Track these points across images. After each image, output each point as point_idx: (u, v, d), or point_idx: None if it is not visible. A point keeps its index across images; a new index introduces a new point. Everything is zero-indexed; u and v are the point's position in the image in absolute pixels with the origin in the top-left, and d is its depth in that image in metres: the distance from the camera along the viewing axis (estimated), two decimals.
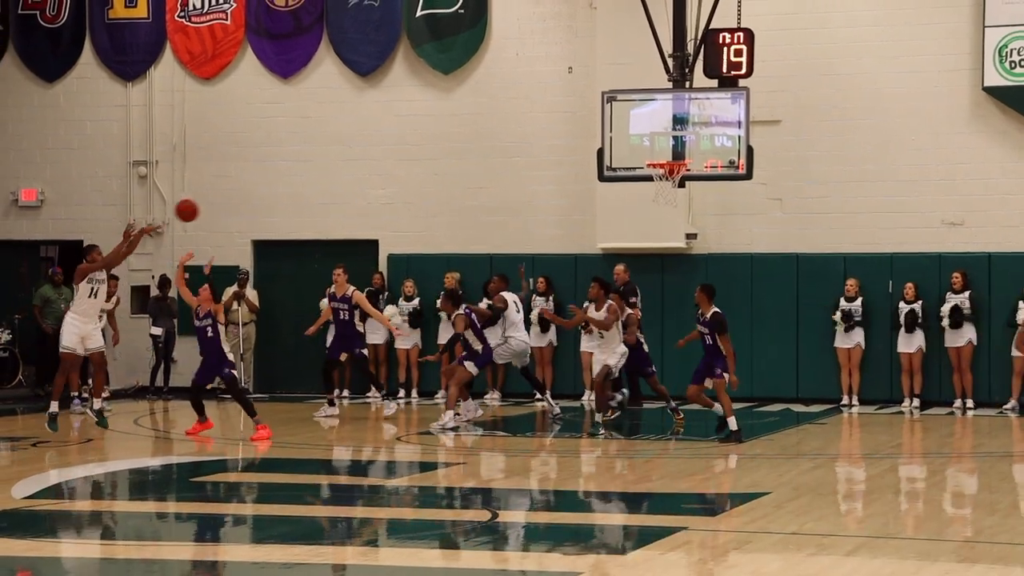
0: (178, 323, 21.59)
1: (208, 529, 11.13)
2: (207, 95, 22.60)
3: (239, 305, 21.44)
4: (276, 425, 18.31)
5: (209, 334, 16.12)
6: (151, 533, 11.10)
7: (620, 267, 19.46)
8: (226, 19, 22.50)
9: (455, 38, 21.59)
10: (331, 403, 18.59)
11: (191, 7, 22.58)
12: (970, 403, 18.98)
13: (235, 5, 22.44)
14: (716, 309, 15.66)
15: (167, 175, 22.70)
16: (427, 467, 14.77)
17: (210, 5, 22.53)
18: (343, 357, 18.20)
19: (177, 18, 22.68)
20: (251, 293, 21.74)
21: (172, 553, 10.11)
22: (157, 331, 21.30)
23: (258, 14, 22.37)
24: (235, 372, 16.33)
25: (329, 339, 19.15)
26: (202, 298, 16.21)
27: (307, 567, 9.40)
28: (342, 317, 17.99)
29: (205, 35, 22.57)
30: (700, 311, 15.81)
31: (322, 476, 14.23)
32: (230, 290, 21.44)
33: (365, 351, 18.62)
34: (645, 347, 17.52)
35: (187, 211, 16.95)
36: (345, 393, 21.14)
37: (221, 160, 22.47)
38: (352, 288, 18.05)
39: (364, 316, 18.38)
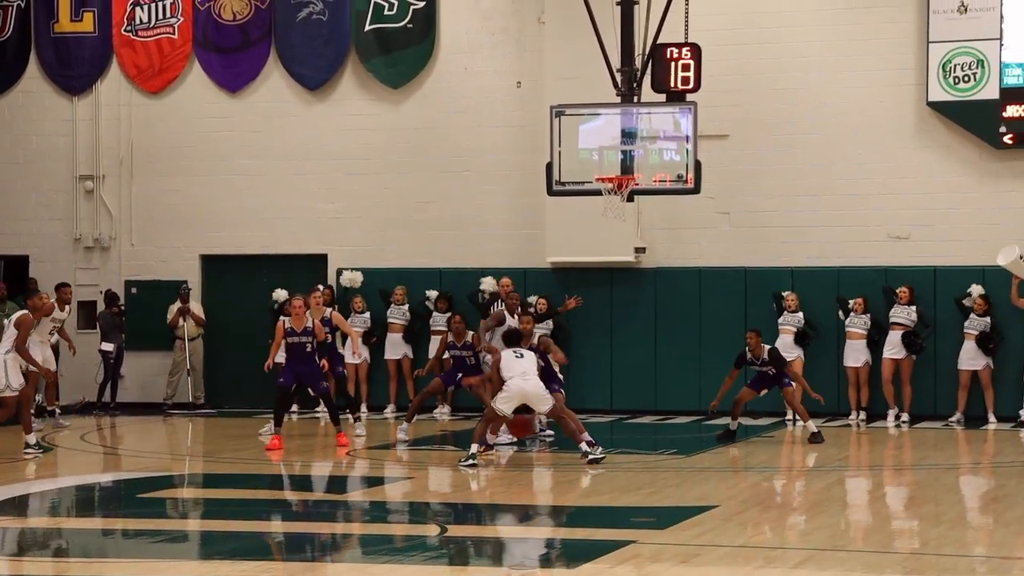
0: (126, 339, 21.47)
1: (155, 545, 11.04)
2: (154, 109, 22.48)
3: (185, 320, 21.33)
4: (224, 440, 18.22)
5: (308, 348, 16.42)
6: (98, 550, 11.00)
7: (506, 280, 19.43)
8: (173, 33, 22.40)
9: (404, 52, 21.58)
10: (356, 419, 18.15)
11: (138, 21, 22.46)
12: (905, 416, 19.10)
13: (182, 19, 22.34)
14: (767, 346, 16.84)
15: (114, 189, 22.56)
16: (375, 482, 14.73)
17: (157, 19, 22.43)
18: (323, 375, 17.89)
19: (124, 32, 22.56)
20: (196, 307, 21.62)
21: (119, 570, 10.02)
22: (108, 347, 21.16)
23: (206, 28, 22.29)
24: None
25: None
26: (296, 314, 16.30)
27: None
28: (308, 350, 17.20)
29: (152, 49, 22.46)
30: (752, 354, 16.72)
31: (270, 492, 14.16)
32: (175, 307, 21.33)
33: (344, 370, 18.63)
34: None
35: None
36: (294, 408, 21.05)
37: (168, 174, 22.35)
38: (330, 310, 17.85)
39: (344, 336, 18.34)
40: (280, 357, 17.03)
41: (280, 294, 20.78)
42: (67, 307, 18.54)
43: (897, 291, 19.25)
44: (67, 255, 22.56)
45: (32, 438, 15.70)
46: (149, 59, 22.46)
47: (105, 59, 22.61)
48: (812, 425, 16.68)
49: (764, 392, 17.25)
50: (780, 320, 19.43)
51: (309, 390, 17.24)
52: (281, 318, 16.89)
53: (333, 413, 17.10)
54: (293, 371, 16.59)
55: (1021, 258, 17.63)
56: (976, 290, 18.91)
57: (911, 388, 19.19)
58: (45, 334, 18.05)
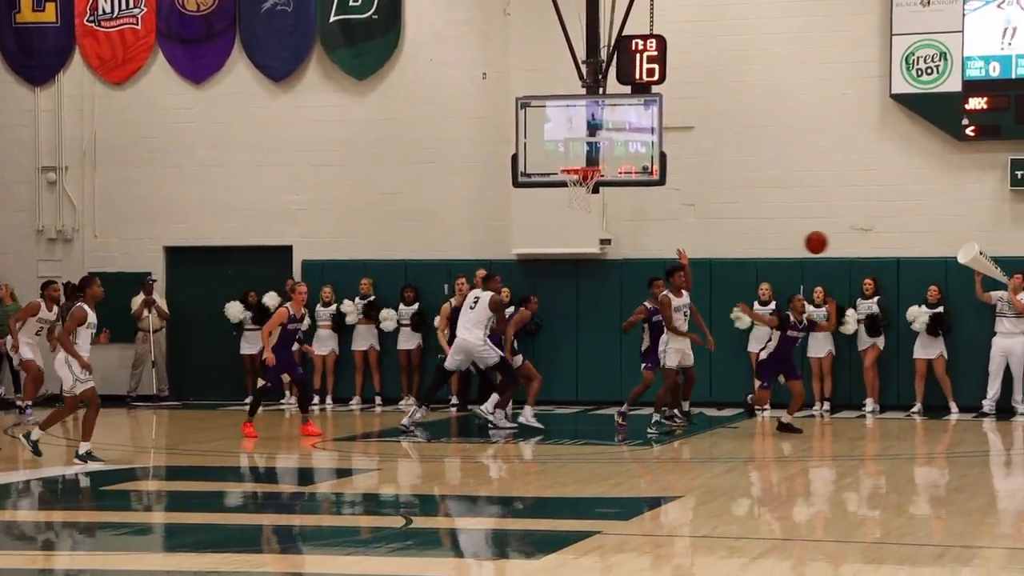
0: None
1: (119, 538, 11.00)
2: (117, 100, 22.37)
3: (149, 312, 21.24)
4: (188, 432, 18.16)
5: (298, 335, 16.98)
6: (61, 543, 10.95)
7: (480, 271, 19.53)
8: (137, 24, 22.28)
9: (369, 43, 21.54)
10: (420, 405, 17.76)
11: (101, 12, 22.33)
12: (870, 406, 19.20)
13: (146, 10, 22.22)
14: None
15: (76, 181, 22.44)
16: (342, 474, 14.72)
17: (120, 10, 22.30)
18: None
19: (86, 23, 22.43)
20: (160, 299, 21.54)
21: (83, 563, 9.99)
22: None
23: (169, 19, 22.17)
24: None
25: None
26: (299, 302, 16.63)
27: (219, 575, 9.32)
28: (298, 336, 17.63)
29: (115, 40, 22.33)
30: (796, 318, 16.73)
31: (235, 484, 14.13)
32: (138, 299, 21.23)
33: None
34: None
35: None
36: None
37: (132, 166, 22.24)
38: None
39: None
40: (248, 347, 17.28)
41: (271, 300, 20.68)
42: (55, 307, 18.27)
43: (863, 283, 19.39)
44: (30, 247, 22.43)
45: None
46: (112, 50, 22.34)
47: (67, 50, 22.47)
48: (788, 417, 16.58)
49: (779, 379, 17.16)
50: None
51: (286, 375, 17.47)
52: (284, 305, 16.94)
53: (306, 401, 17.19)
54: (280, 358, 16.65)
55: (981, 254, 17.74)
56: (919, 315, 19.00)
57: (878, 379, 19.32)
58: (31, 334, 18.03)
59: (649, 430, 16.85)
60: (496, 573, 9.40)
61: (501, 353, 17.16)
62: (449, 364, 17.33)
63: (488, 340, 17.08)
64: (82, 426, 14.34)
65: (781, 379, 16.89)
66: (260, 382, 17.38)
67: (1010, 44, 19.36)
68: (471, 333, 17.03)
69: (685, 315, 17.22)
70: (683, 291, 17.21)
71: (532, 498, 12.92)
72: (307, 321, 18.08)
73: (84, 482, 13.96)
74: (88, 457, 14.24)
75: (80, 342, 14.09)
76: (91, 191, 22.39)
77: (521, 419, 17.46)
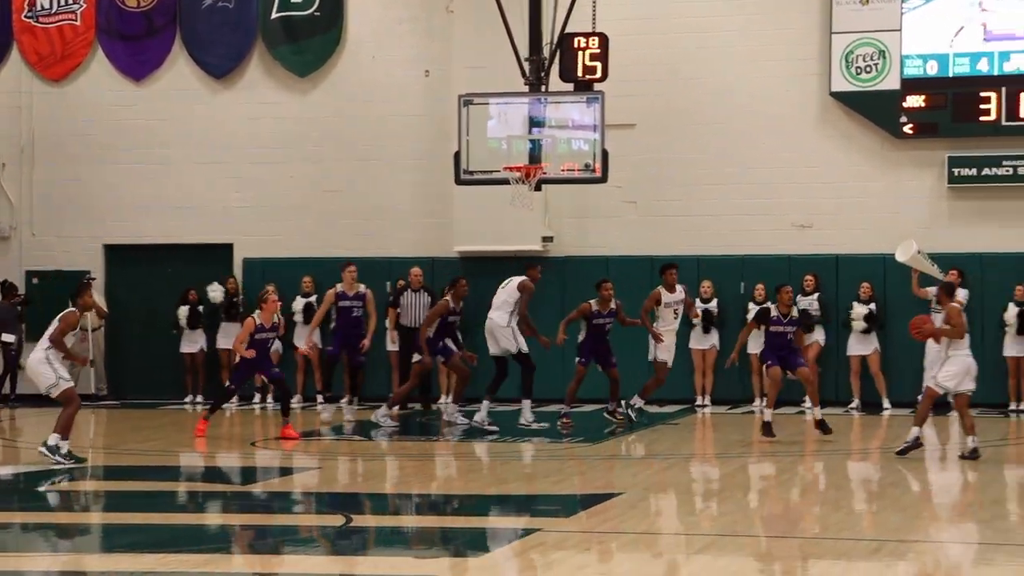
0: (26, 330, 21.15)
1: (56, 539, 10.91)
2: (56, 97, 22.17)
3: (88, 311, 21.01)
4: (127, 432, 18.03)
5: (268, 345, 16.51)
6: None
7: (416, 269, 19.52)
8: (76, 20, 22.09)
9: (311, 40, 21.46)
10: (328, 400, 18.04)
11: (39, 7, 22.12)
12: (809, 402, 19.31)
13: (85, 5, 22.03)
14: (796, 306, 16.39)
15: (14, 178, 22.22)
16: (283, 472, 14.66)
17: (59, 5, 22.10)
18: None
19: (24, 18, 22.21)
20: (99, 298, 21.34)
21: (18, 564, 9.89)
22: (9, 338, 20.84)
23: (109, 15, 22.00)
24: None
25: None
26: (269, 311, 16.27)
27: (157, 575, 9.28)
28: (355, 314, 17.78)
29: (54, 36, 22.13)
30: (781, 312, 16.08)
31: (174, 483, 14.04)
32: None
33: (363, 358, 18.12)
34: None
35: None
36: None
37: (71, 163, 22.05)
38: (363, 285, 17.86)
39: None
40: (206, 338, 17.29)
41: (215, 293, 20.68)
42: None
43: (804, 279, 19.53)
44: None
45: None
46: (51, 46, 22.14)
47: (5, 46, 22.24)
48: (818, 412, 16.10)
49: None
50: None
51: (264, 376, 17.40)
52: (252, 315, 16.58)
53: (287, 403, 16.75)
54: (253, 365, 16.52)
55: (919, 252, 17.91)
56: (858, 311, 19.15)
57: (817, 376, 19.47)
58: None
59: (630, 413, 17.17)
60: (438, 571, 9.40)
61: (524, 348, 16.99)
62: (492, 351, 17.18)
63: (514, 326, 16.94)
64: (60, 421, 14.13)
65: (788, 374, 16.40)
66: (227, 383, 17.15)
67: (951, 44, 19.54)
68: (496, 313, 16.99)
69: (676, 312, 17.22)
70: (675, 287, 17.21)
71: (473, 496, 12.92)
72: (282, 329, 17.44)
73: (20, 483, 13.83)
74: (70, 456, 14.05)
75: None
76: (29, 189, 22.18)
77: (445, 416, 17.61)
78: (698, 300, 19.70)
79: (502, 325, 16.91)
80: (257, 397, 20.63)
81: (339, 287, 17.78)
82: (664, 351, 17.28)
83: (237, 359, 16.95)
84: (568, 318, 17.61)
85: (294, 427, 16.58)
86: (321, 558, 10.08)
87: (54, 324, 14.16)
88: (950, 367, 14.30)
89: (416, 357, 17.60)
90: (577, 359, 17.51)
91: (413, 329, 19.21)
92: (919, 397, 15.24)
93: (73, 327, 14.11)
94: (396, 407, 17.75)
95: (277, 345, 18.49)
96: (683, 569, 9.45)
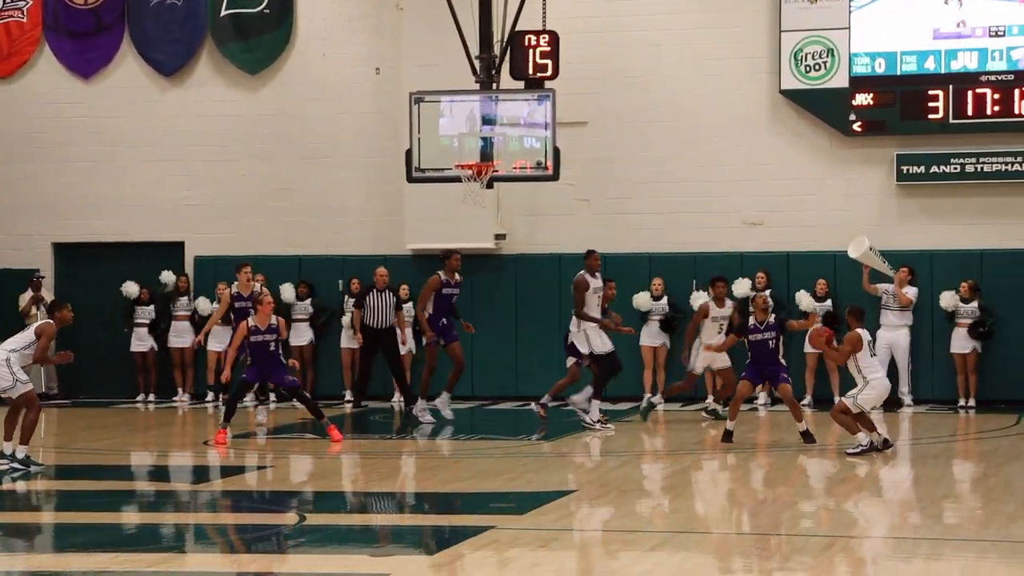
0: None
1: (8, 539, 10.83)
2: (4, 95, 21.98)
3: (38, 309, 20.88)
4: (79, 431, 17.91)
5: (272, 348, 15.87)
6: None
7: (382, 269, 19.50)
8: (22, 16, 21.91)
9: (260, 38, 21.38)
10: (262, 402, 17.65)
11: None
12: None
13: (31, 2, 21.84)
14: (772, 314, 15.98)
15: None
16: (234, 471, 14.61)
17: (5, 2, 21.91)
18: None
19: None
20: (49, 296, 21.18)
21: None
22: None
23: (56, 12, 21.83)
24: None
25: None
26: (264, 313, 15.80)
27: (109, 575, 9.22)
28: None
29: (0, 33, 21.94)
30: (757, 320, 15.76)
31: (126, 482, 13.97)
32: (27, 295, 20.88)
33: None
34: None
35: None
36: (152, 397, 20.89)
37: (19, 161, 21.87)
38: (259, 286, 17.48)
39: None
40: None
41: (131, 288, 20.62)
42: None
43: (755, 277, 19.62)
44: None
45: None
46: None
47: None
48: (803, 424, 15.67)
49: (760, 388, 17.22)
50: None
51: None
52: (247, 318, 16.17)
53: (315, 408, 16.16)
54: (259, 371, 16.19)
55: (871, 249, 18.04)
56: (805, 300, 19.23)
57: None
58: None
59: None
60: (391, 569, 9.40)
61: (594, 348, 16.87)
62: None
63: (583, 327, 16.85)
64: (22, 429, 13.97)
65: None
66: (228, 382, 16.47)
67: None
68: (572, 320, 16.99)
69: (720, 326, 17.19)
70: (725, 301, 17.28)
71: (427, 493, 12.93)
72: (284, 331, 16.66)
73: None
74: (29, 462, 13.89)
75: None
76: None
77: (438, 403, 17.38)
78: (650, 296, 19.78)
79: (573, 331, 16.98)
80: (210, 395, 20.53)
81: (234, 287, 17.45)
82: (702, 362, 17.31)
83: (248, 361, 16.24)
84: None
85: (338, 429, 16.02)
86: (275, 556, 10.06)
87: (29, 338, 13.97)
88: (871, 391, 14.60)
89: (424, 341, 17.35)
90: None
91: (378, 330, 19.18)
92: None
93: (52, 338, 14.04)
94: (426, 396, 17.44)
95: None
96: (637, 566, 9.49)
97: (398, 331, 18.98)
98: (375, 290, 19.29)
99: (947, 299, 19.12)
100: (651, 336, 19.82)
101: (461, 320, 17.58)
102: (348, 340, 20.06)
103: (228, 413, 15.96)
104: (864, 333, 14.63)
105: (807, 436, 15.40)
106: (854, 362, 14.61)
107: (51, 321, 14.12)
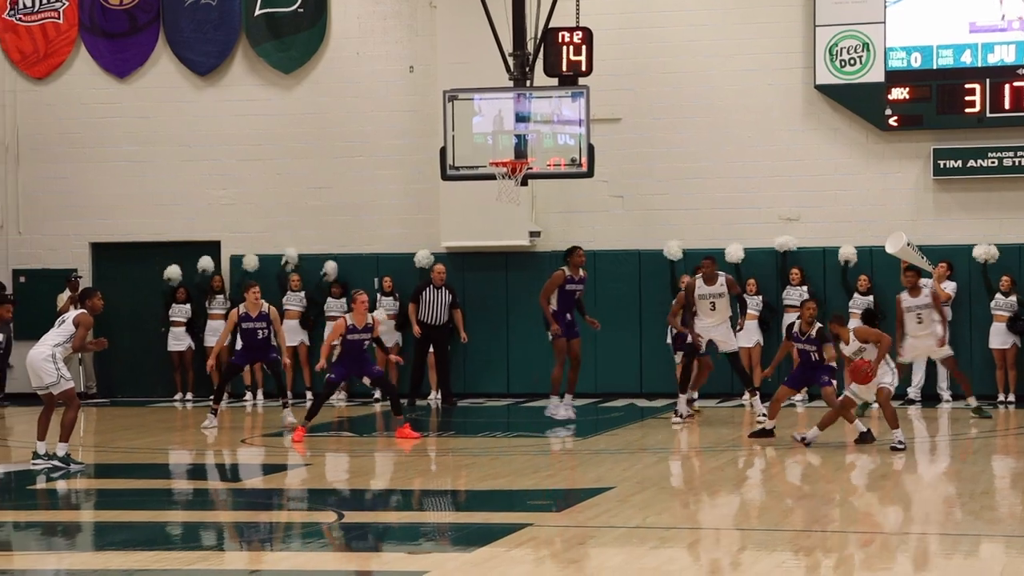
0: (14, 328, 21.13)
1: (47, 537, 10.90)
2: (40, 95, 22.12)
3: (75, 309, 20.96)
4: (117, 430, 18.01)
5: (364, 346, 16.01)
6: None
7: (439, 266, 19.56)
8: (58, 18, 22.04)
9: (295, 37, 21.44)
10: (214, 412, 17.44)
11: (21, 5, 22.07)
12: (800, 395, 19.30)
13: (67, 3, 21.98)
14: (818, 324, 15.72)
15: None
16: (272, 469, 14.66)
17: (41, 3, 22.05)
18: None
19: (6, 17, 22.16)
20: None
21: (10, 563, 9.88)
22: None
23: (92, 13, 21.95)
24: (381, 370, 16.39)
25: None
26: (359, 312, 15.88)
27: (148, 573, 9.27)
28: (260, 336, 17.20)
29: (37, 34, 22.08)
30: (800, 329, 15.64)
31: (164, 480, 14.03)
32: (64, 295, 21.00)
33: (279, 356, 17.58)
34: None
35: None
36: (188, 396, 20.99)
37: (56, 161, 22.00)
38: (267, 305, 17.42)
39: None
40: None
41: (173, 271, 20.73)
42: None
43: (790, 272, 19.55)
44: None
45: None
46: (34, 44, 22.09)
47: None
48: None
49: (800, 393, 17.24)
50: (668, 316, 19.38)
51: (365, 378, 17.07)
52: (343, 315, 16.47)
53: (396, 403, 16.30)
54: (348, 368, 16.22)
55: (908, 244, 17.94)
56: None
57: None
58: None
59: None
60: (430, 566, 9.41)
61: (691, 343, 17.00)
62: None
63: (703, 325, 16.93)
64: (62, 427, 14.02)
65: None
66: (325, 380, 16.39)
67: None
68: None
69: (712, 304, 17.00)
70: (716, 279, 17.11)
71: (464, 491, 12.94)
72: (379, 328, 16.64)
73: (11, 481, 13.80)
74: (69, 460, 13.96)
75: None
76: (14, 187, 22.13)
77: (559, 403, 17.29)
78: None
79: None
80: (248, 395, 20.61)
81: (242, 308, 17.26)
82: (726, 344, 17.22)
83: (335, 356, 16.39)
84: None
85: (412, 427, 16.08)
86: (313, 554, 10.09)
87: (68, 328, 14.04)
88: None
89: (550, 336, 17.22)
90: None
91: (433, 326, 19.21)
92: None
93: (90, 328, 14.13)
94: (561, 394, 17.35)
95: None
96: (674, 563, 9.47)
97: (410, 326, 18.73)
98: (431, 286, 19.35)
99: (980, 251, 19.03)
100: (746, 335, 19.57)
101: (586, 316, 17.45)
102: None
103: (312, 412, 16.05)
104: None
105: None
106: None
107: (86, 311, 14.19)
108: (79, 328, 13.98)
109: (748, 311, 18.77)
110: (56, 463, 13.86)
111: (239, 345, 18.14)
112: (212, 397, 17.59)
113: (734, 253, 19.51)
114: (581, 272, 17.28)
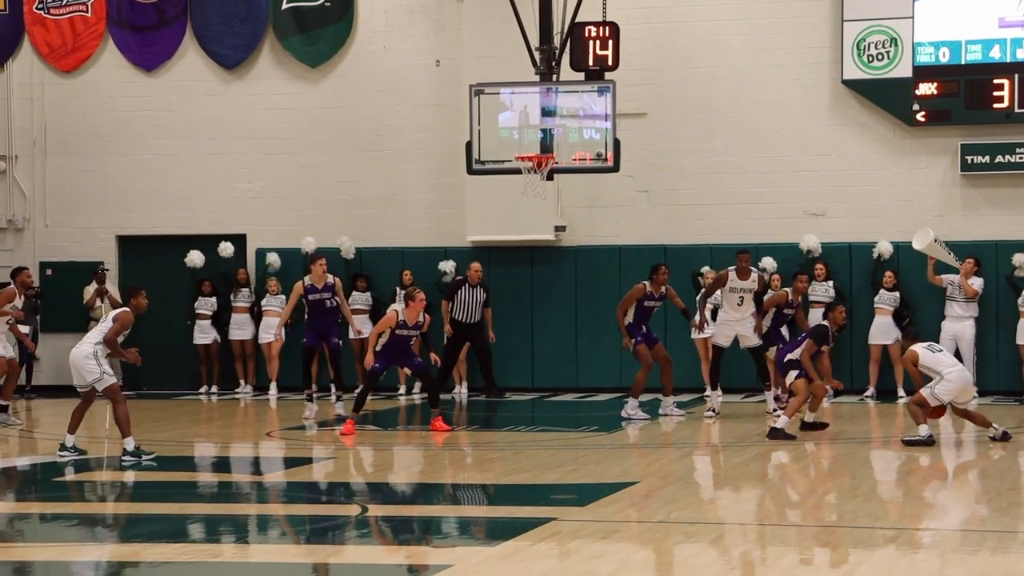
0: (41, 321, 21.23)
1: (73, 529, 10.95)
2: (68, 88, 22.21)
3: (102, 302, 21.09)
4: (143, 423, 18.07)
5: (411, 342, 16.05)
6: (15, 534, 10.88)
7: (476, 264, 19.53)
8: (87, 11, 22.12)
9: (321, 31, 21.48)
10: (310, 399, 17.48)
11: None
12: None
13: None
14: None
15: (27, 170, 22.27)
16: (296, 463, 14.69)
17: None
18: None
19: (35, 10, 22.25)
20: (113, 289, 21.39)
21: (37, 554, 9.93)
22: (23, 329, 20.82)
23: (120, 6, 22.03)
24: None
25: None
26: (415, 309, 15.77)
27: (175, 565, 9.30)
28: (328, 306, 17.11)
29: (65, 27, 22.17)
30: (833, 332, 15.85)
31: (190, 473, 14.08)
32: (91, 288, 21.08)
33: (340, 342, 17.67)
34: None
35: None
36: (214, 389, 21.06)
37: (83, 154, 22.09)
38: (334, 277, 17.43)
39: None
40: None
41: (195, 257, 20.74)
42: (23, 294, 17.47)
43: (815, 267, 19.49)
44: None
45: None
46: (62, 37, 22.17)
47: (16, 37, 22.28)
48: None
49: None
50: (698, 298, 19.51)
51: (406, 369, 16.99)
52: (394, 308, 16.46)
53: (434, 395, 16.36)
54: (390, 360, 16.20)
55: (935, 240, 17.88)
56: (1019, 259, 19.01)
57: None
58: (3, 324, 17.26)
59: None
60: (452, 560, 9.42)
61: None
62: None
63: (720, 319, 17.08)
64: (118, 423, 13.94)
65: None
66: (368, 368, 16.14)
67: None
68: None
69: (741, 299, 16.88)
70: (750, 273, 16.98)
71: (488, 485, 12.94)
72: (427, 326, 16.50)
73: (38, 473, 13.87)
74: (140, 453, 13.90)
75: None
76: (42, 180, 22.23)
77: (660, 410, 17.24)
78: (704, 289, 19.64)
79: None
80: (272, 388, 20.66)
81: (307, 280, 17.23)
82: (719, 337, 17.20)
83: (379, 347, 16.14)
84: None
85: (445, 420, 16.13)
86: (338, 547, 10.11)
87: (107, 323, 14.07)
88: (947, 384, 14.39)
89: (630, 347, 17.04)
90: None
91: (468, 324, 19.17)
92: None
93: (127, 327, 14.07)
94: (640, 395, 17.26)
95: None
96: (699, 558, 9.46)
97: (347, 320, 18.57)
98: (467, 285, 19.31)
99: (1019, 258, 18.91)
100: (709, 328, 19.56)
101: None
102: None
103: (359, 403, 16.04)
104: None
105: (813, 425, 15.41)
106: (923, 367, 14.50)
107: (128, 309, 14.18)
108: (115, 323, 13.99)
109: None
110: (127, 458, 13.80)
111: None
112: (305, 387, 17.50)
113: (767, 263, 19.42)
114: (663, 289, 17.07)
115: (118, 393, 14.01)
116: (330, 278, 17.27)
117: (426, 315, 16.20)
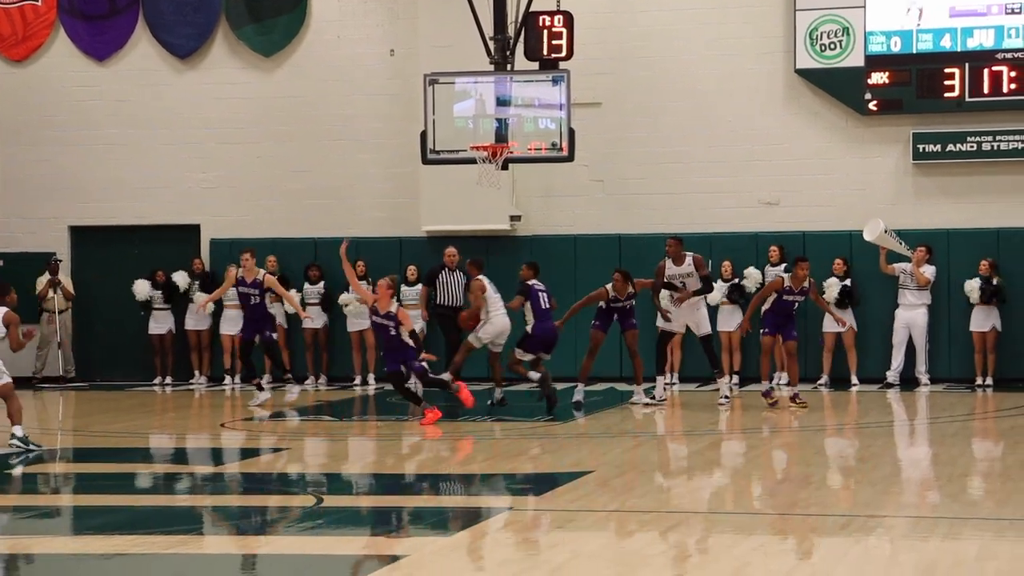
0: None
1: (25, 521, 10.87)
2: (19, 78, 22.02)
3: (55, 293, 20.96)
4: (95, 414, 17.96)
5: (392, 332, 15.59)
6: None
7: (451, 249, 19.49)
8: (37, 0, 21.92)
9: (275, 20, 21.37)
10: (260, 388, 17.64)
11: None
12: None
13: None
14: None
15: None
16: (251, 453, 14.64)
17: None
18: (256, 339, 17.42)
19: None
20: (66, 280, 21.26)
21: None
22: None
23: None
24: (425, 364, 15.83)
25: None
26: (381, 296, 15.59)
27: (127, 557, 9.25)
28: (252, 302, 17.28)
29: (15, 16, 21.96)
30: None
31: (142, 465, 14.01)
32: (43, 279, 20.93)
33: (275, 334, 17.93)
34: None
35: None
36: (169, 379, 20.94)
37: (35, 144, 21.91)
38: (263, 272, 17.53)
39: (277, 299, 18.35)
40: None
41: (141, 288, 20.64)
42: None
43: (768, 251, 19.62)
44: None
45: None
46: (12, 27, 21.97)
47: None
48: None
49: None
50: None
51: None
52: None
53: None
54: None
55: (886, 231, 17.99)
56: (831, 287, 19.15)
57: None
58: None
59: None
60: (408, 550, 9.41)
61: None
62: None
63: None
64: (11, 415, 13.89)
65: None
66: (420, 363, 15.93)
67: (918, 24, 19.59)
68: None
69: (682, 284, 17.10)
70: (683, 259, 17.15)
71: (444, 475, 12.94)
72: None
73: None
74: (27, 441, 13.90)
75: None
76: None
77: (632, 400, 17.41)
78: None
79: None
80: (227, 380, 20.58)
81: (239, 272, 17.36)
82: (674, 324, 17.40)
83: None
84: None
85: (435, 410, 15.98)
86: (291, 538, 10.08)
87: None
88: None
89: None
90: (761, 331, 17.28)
91: (452, 307, 19.07)
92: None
93: (19, 323, 13.97)
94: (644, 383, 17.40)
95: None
96: (654, 547, 9.49)
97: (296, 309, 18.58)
98: (446, 269, 19.28)
99: (970, 286, 19.03)
100: (726, 318, 19.57)
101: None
102: (353, 323, 20.09)
103: (414, 398, 16.00)
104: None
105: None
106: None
107: (9, 310, 14.01)
108: (11, 328, 13.84)
109: (722, 297, 18.97)
110: (14, 442, 13.81)
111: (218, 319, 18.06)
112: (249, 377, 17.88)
113: (752, 278, 19.56)
114: (630, 289, 17.04)
115: (11, 393, 13.95)
116: (260, 274, 17.23)
117: (401, 309, 15.88)
